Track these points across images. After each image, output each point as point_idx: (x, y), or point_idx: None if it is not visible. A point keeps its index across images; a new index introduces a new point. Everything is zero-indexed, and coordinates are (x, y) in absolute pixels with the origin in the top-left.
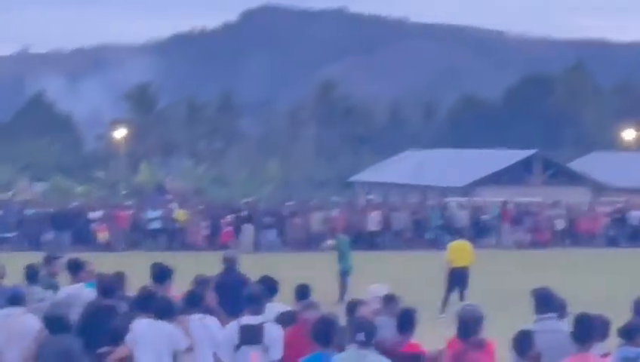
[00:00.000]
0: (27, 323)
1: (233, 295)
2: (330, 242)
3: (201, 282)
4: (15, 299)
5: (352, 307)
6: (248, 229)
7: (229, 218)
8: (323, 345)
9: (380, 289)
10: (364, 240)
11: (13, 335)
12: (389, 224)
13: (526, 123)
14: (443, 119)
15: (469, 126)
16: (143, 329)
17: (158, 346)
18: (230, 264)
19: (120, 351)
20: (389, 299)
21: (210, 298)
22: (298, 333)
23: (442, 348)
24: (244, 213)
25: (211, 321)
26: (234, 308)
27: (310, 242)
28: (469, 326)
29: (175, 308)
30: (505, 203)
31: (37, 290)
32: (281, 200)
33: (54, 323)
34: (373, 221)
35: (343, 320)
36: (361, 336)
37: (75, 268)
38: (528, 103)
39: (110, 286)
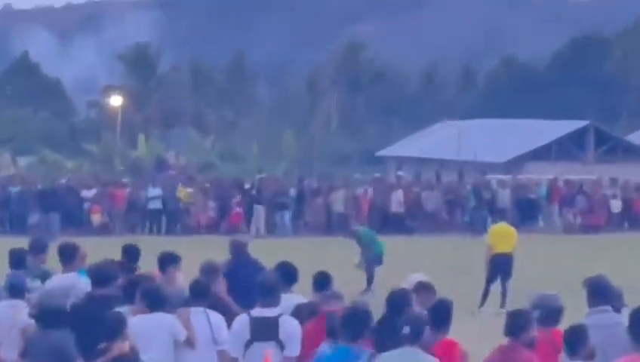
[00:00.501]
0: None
1: (246, 284)
2: (355, 230)
3: (207, 270)
4: (15, 290)
5: (397, 297)
6: (261, 210)
7: (239, 197)
8: (352, 338)
9: (419, 278)
10: (392, 223)
11: (15, 329)
12: (420, 205)
13: (577, 90)
14: (482, 86)
15: (511, 94)
16: (137, 324)
17: (155, 340)
18: (239, 250)
19: (119, 347)
20: (421, 288)
21: (221, 286)
22: (318, 328)
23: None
24: (256, 192)
25: (215, 317)
26: (246, 300)
27: (331, 225)
28: (551, 317)
29: (165, 298)
30: (553, 181)
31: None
32: (299, 178)
33: (48, 316)
34: (396, 201)
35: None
36: (407, 330)
37: (68, 254)
38: (580, 68)
39: (105, 273)
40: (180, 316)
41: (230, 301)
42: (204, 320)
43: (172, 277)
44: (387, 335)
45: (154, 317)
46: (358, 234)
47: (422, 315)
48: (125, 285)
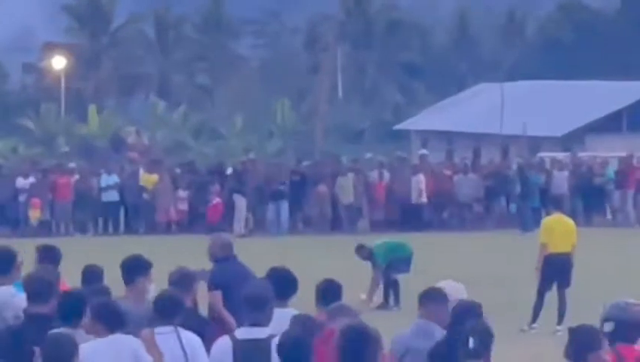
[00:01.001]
0: None
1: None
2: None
3: (179, 279)
4: None
5: (463, 308)
6: (242, 202)
7: (218, 186)
8: None
9: (454, 289)
10: (413, 217)
11: None
12: (451, 192)
13: None
14: (532, 38)
15: (571, 48)
16: (92, 350)
17: None
18: (226, 252)
19: None
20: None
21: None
22: (322, 350)
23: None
24: (236, 178)
25: (189, 337)
26: (240, 315)
27: (337, 220)
28: (628, 331)
29: (124, 315)
30: (625, 159)
31: None
32: (297, 159)
33: None
34: (415, 189)
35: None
36: (472, 343)
37: (1, 262)
38: None
39: (46, 287)
40: (145, 338)
41: (227, 317)
42: (175, 342)
43: (141, 291)
44: (450, 350)
45: (112, 340)
46: (370, 252)
47: (489, 327)
48: (61, 301)
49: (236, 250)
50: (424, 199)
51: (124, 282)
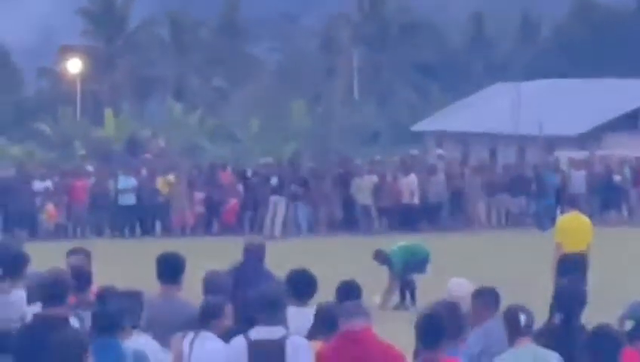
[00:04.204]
0: None
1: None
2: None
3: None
4: None
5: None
6: (281, 204)
7: (239, 188)
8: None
9: (463, 286)
10: (429, 216)
11: None
12: (462, 193)
13: None
14: (548, 37)
15: (586, 46)
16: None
17: None
18: (252, 255)
19: None
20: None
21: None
22: (338, 351)
23: None
24: (278, 180)
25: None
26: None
27: (354, 221)
28: None
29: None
30: None
31: None
32: (314, 161)
33: None
34: (407, 188)
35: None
36: (524, 320)
37: (15, 265)
38: None
39: (59, 288)
40: (174, 344)
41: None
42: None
43: (176, 290)
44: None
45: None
46: (387, 258)
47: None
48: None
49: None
50: (416, 200)
51: (165, 281)
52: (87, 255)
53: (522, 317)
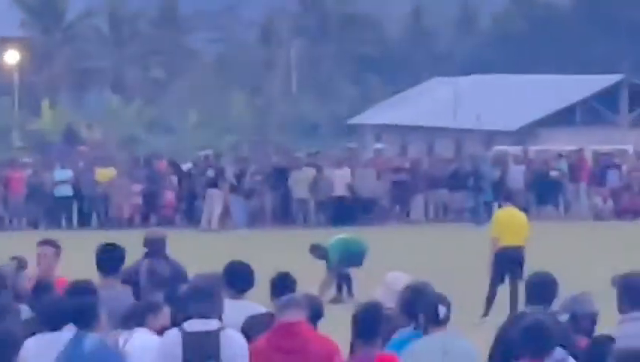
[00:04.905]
0: None
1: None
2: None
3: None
4: None
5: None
6: (218, 196)
7: (174, 180)
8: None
9: (401, 280)
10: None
11: None
12: (405, 186)
13: (608, 37)
14: (486, 32)
15: (524, 42)
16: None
17: None
18: (155, 247)
19: None
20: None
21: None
22: (273, 344)
23: None
24: (215, 173)
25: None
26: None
27: (290, 215)
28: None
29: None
30: (578, 153)
31: None
32: (252, 154)
33: None
34: (340, 182)
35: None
36: (443, 311)
37: None
38: (612, 8)
39: None
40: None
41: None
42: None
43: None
44: None
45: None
46: (323, 252)
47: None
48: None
49: (199, 244)
50: (349, 193)
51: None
52: (57, 247)
53: (441, 309)
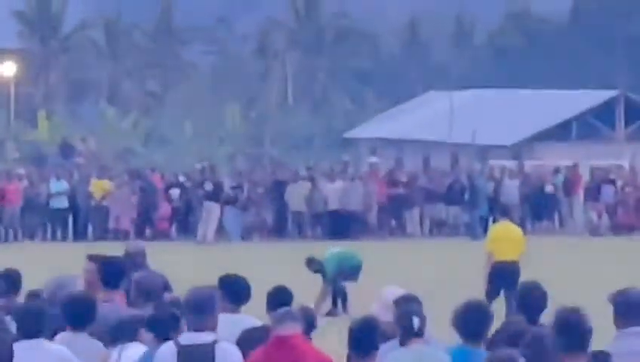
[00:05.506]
0: None
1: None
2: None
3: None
4: None
5: None
6: (215, 209)
7: (171, 193)
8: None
9: (397, 294)
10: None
11: None
12: (401, 200)
13: (604, 52)
14: (482, 46)
15: (519, 57)
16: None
17: None
18: (137, 260)
19: None
20: (405, 302)
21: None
22: (269, 357)
23: None
24: (213, 186)
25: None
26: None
27: (285, 228)
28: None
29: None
30: (573, 168)
31: None
32: (247, 166)
33: None
34: (333, 195)
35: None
36: (417, 323)
37: None
38: (607, 24)
39: None
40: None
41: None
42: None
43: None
44: None
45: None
46: (319, 265)
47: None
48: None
49: (195, 256)
50: (341, 207)
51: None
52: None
53: (415, 321)
